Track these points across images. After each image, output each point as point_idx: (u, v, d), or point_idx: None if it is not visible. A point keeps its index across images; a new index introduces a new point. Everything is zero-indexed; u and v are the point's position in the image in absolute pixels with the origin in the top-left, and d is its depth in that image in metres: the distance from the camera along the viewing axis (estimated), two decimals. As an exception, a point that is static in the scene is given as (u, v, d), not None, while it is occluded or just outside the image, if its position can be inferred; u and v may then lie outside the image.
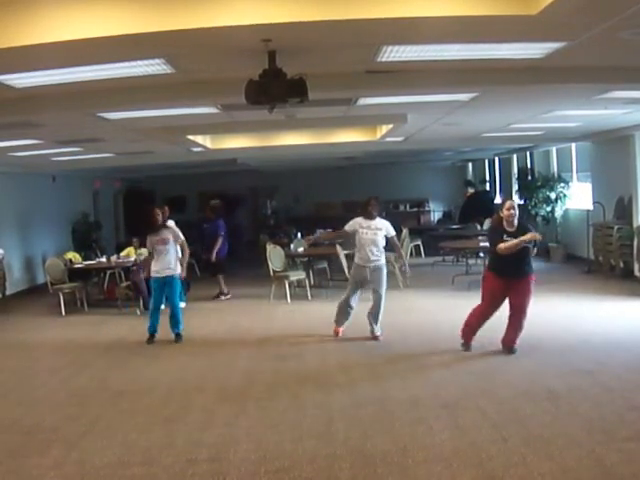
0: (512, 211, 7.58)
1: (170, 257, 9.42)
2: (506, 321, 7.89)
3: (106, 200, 21.06)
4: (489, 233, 8.48)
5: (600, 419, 5.53)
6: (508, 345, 7.86)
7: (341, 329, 9.25)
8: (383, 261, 9.01)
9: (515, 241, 7.43)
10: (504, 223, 7.65)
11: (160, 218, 9.58)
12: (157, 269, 9.40)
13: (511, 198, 8.47)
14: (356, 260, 9.00)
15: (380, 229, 8.91)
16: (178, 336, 9.51)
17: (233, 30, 4.54)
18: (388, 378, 7.14)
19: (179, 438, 5.61)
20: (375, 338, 8.93)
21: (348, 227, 9.06)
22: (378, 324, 8.98)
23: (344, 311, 9.17)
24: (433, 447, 5.16)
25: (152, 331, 9.47)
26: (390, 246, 9.26)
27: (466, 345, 8.07)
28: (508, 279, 7.65)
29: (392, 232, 9.05)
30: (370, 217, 8.92)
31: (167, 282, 9.41)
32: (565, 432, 5.28)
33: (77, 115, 7.75)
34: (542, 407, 5.91)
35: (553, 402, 6.04)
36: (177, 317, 9.55)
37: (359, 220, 8.97)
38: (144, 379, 7.63)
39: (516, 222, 7.62)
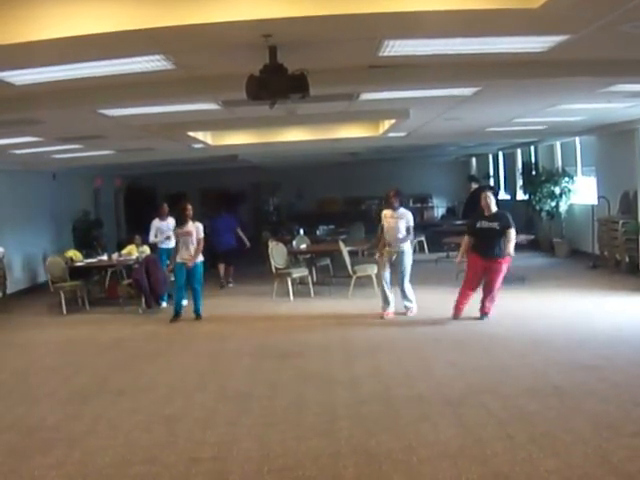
0: (485, 201, 9.34)
1: (192, 248, 10.72)
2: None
3: (107, 197, 20.99)
4: (469, 219, 10.19)
5: (606, 415, 5.49)
6: (482, 312, 9.51)
7: (386, 312, 10.07)
8: (405, 247, 10.00)
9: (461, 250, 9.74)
10: (485, 210, 9.38)
11: (190, 213, 10.85)
12: (181, 257, 10.77)
13: (487, 190, 10.32)
14: (386, 246, 10.10)
15: (401, 218, 10.01)
16: (197, 315, 10.80)
17: (233, 25, 4.51)
18: (392, 375, 7.10)
19: (181, 437, 5.58)
20: (405, 313, 10.10)
21: (381, 222, 10.23)
22: (408, 301, 10.09)
23: (383, 292, 10.12)
24: (438, 444, 5.12)
25: (177, 309, 10.79)
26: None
27: (456, 317, 9.54)
28: (486, 259, 9.28)
29: (411, 222, 10.08)
30: (392, 208, 10.10)
31: (190, 269, 10.70)
32: (571, 428, 5.24)
33: (77, 112, 7.71)
34: (547, 403, 5.87)
35: (558, 398, 5.99)
36: (197, 299, 10.84)
37: (385, 212, 10.23)
38: (146, 378, 7.60)
39: (494, 209, 9.34)
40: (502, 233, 9.16)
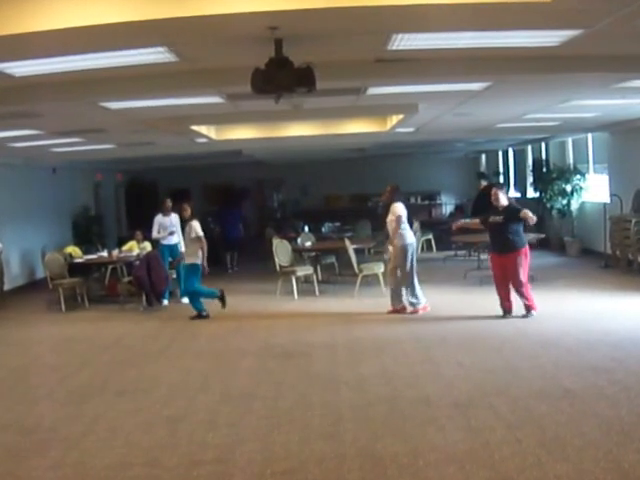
0: (494, 195, 9.41)
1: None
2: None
3: (107, 193, 20.91)
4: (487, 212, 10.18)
5: (617, 419, 5.38)
6: (508, 309, 9.40)
7: (400, 306, 10.13)
8: (399, 242, 10.01)
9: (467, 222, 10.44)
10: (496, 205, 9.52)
11: (187, 213, 10.80)
12: None
13: (495, 186, 10.32)
14: None
15: (389, 212, 10.18)
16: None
17: (239, 17, 4.45)
18: (398, 376, 7.00)
19: (183, 438, 5.51)
20: (411, 312, 10.07)
21: None
22: (403, 298, 10.05)
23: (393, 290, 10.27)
24: (445, 448, 5.04)
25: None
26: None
27: (504, 313, 9.43)
28: (499, 254, 9.41)
29: (395, 214, 10.06)
30: (389, 203, 10.32)
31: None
32: (581, 432, 5.14)
33: (78, 104, 7.64)
34: (557, 406, 5.76)
35: (569, 401, 5.88)
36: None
37: None
38: (146, 377, 7.51)
39: (503, 203, 9.35)
40: (507, 225, 9.19)
